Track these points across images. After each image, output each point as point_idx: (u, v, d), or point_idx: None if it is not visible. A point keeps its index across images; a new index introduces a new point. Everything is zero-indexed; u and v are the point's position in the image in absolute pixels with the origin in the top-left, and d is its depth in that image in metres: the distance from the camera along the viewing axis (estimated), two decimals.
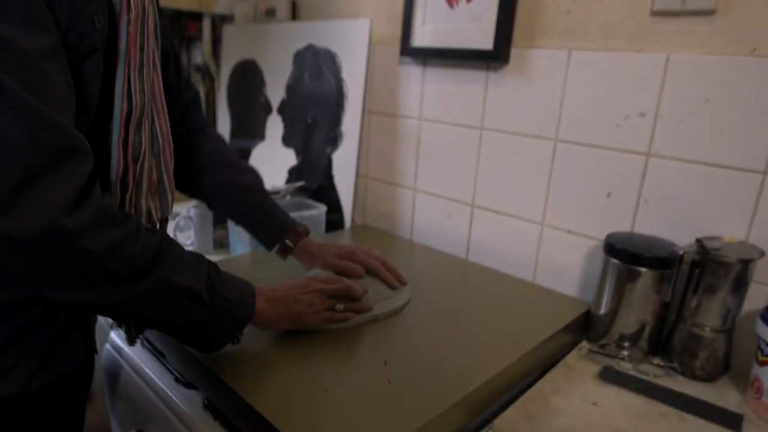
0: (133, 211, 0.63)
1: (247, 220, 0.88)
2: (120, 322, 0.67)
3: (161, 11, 0.72)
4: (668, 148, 0.82)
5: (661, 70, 0.81)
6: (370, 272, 0.86)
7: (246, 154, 1.58)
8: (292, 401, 0.60)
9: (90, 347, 0.70)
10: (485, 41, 0.98)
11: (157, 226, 0.70)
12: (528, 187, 0.99)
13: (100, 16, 0.53)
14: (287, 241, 0.87)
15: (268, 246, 0.88)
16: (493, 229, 1.06)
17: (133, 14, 0.56)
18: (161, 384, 0.76)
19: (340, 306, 0.74)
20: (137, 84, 0.58)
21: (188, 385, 0.74)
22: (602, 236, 0.87)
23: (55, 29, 0.47)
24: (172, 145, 0.69)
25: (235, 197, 0.86)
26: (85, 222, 0.48)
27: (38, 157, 0.45)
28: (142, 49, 0.58)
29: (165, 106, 0.66)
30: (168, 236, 0.59)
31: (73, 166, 0.47)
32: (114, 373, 0.87)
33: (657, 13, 0.81)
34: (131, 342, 0.69)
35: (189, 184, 0.86)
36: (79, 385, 0.72)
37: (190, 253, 0.61)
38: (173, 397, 0.73)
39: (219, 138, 0.90)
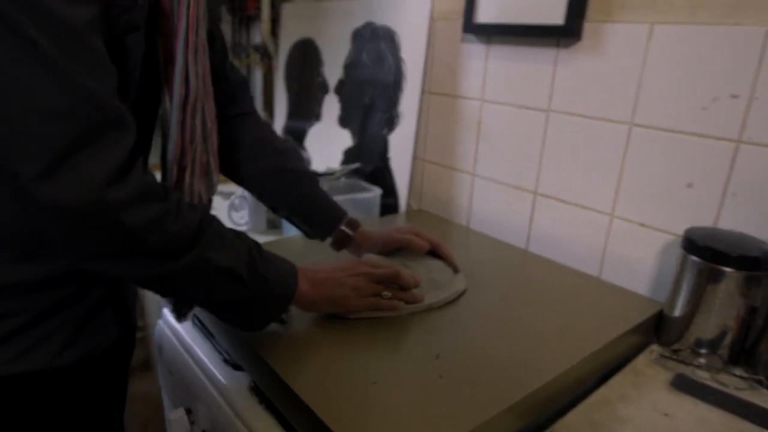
0: (189, 193, 0.64)
1: (300, 207, 0.84)
2: (160, 294, 0.67)
3: None
4: (764, 134, 0.73)
5: (759, 45, 0.72)
6: (428, 254, 0.83)
7: (302, 134, 1.56)
8: (338, 391, 0.57)
9: (123, 327, 0.69)
10: (556, 16, 0.91)
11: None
12: (597, 174, 0.92)
13: None
14: (344, 228, 0.83)
15: (323, 235, 0.85)
16: (556, 219, 1.00)
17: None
18: (209, 363, 0.75)
19: (387, 293, 0.71)
20: (193, 68, 0.59)
21: (236, 367, 0.73)
22: (680, 231, 0.79)
23: (96, 1, 0.46)
24: (217, 128, 0.68)
25: (288, 184, 0.83)
26: (127, 195, 0.47)
27: (81, 127, 0.44)
28: (197, 33, 0.58)
29: (212, 89, 0.66)
30: (209, 214, 0.59)
31: (115, 138, 0.47)
32: (164, 349, 0.88)
33: None
34: (179, 318, 0.69)
35: (236, 170, 0.84)
36: (114, 362, 0.72)
37: (232, 231, 0.60)
38: (220, 377, 0.72)
39: (267, 124, 0.88)
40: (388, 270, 0.72)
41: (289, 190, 0.83)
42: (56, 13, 0.43)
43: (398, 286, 0.73)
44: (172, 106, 0.58)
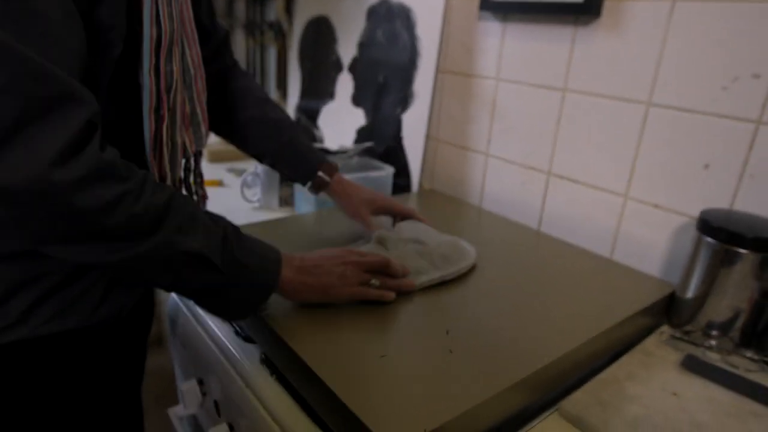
0: (170, 144, 0.61)
1: (282, 155, 0.86)
2: (128, 280, 0.65)
3: None
4: None
5: None
6: (439, 231, 0.85)
7: (315, 113, 1.56)
8: (348, 363, 0.57)
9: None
10: None
11: (192, 159, 0.69)
12: (612, 155, 0.91)
13: None
14: (321, 173, 0.85)
15: (303, 181, 0.87)
16: (569, 200, 0.99)
17: None
18: (221, 335, 0.76)
19: (375, 281, 0.68)
20: (165, 8, 0.55)
21: (247, 339, 0.74)
22: (695, 213, 0.78)
23: None
24: (204, 75, 0.66)
25: (271, 132, 0.85)
26: (78, 176, 0.44)
27: (22, 104, 0.41)
28: None
29: (196, 35, 0.64)
30: (181, 195, 0.55)
31: (63, 115, 0.43)
32: (177, 321, 0.89)
33: None
34: None
35: (221, 121, 0.85)
36: (139, 324, 0.73)
37: (208, 214, 0.57)
38: (232, 349, 0.73)
39: (249, 74, 0.89)
40: (377, 258, 0.70)
41: (270, 138, 0.85)
42: None
43: (388, 275, 0.71)
44: (143, 51, 0.53)
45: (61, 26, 0.44)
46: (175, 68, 0.58)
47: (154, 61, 0.55)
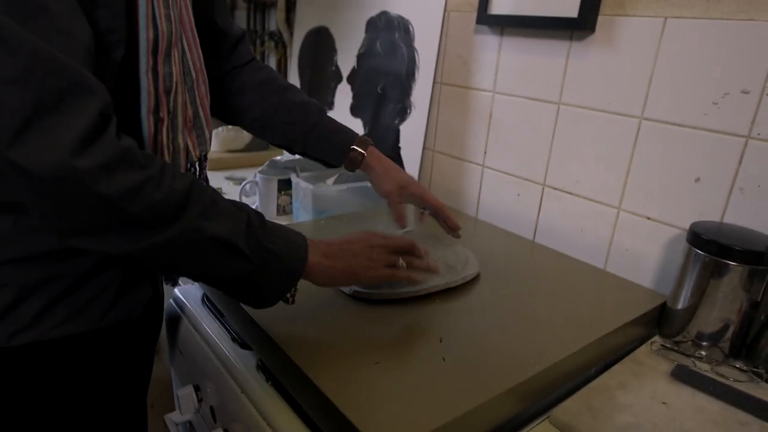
0: (171, 147, 0.61)
1: (312, 138, 0.83)
2: (156, 271, 0.67)
3: None
4: None
5: None
6: (441, 242, 0.85)
7: None
8: (343, 370, 0.58)
9: (155, 285, 0.71)
10: (570, 8, 0.91)
11: (196, 163, 0.69)
12: (606, 168, 0.92)
13: None
14: (355, 147, 0.82)
15: (339, 159, 0.84)
16: (564, 211, 1.00)
17: None
18: (218, 341, 0.77)
19: (402, 262, 0.67)
20: (161, 10, 0.55)
21: (243, 345, 0.75)
22: (686, 225, 0.79)
23: None
24: (206, 78, 0.66)
25: (297, 117, 0.83)
26: (98, 163, 0.45)
27: (39, 93, 0.43)
28: None
29: (197, 39, 0.64)
30: (200, 181, 0.54)
31: (78, 104, 0.44)
32: (175, 327, 0.90)
33: None
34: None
35: (245, 115, 0.84)
36: (147, 329, 0.74)
37: (230, 201, 0.56)
38: (229, 355, 0.74)
39: (267, 66, 0.88)
40: (403, 240, 0.69)
41: (298, 121, 0.83)
42: None
43: (414, 256, 0.70)
44: (140, 52, 0.54)
45: (70, 22, 0.46)
46: (174, 70, 0.59)
47: (151, 63, 0.55)
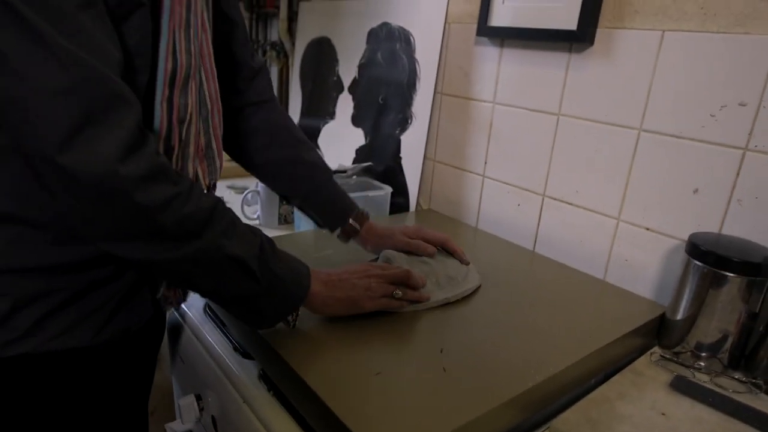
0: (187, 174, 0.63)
1: (313, 199, 0.86)
2: (170, 282, 0.68)
3: None
4: None
5: None
6: (439, 250, 0.85)
7: (315, 132, 1.59)
8: (344, 380, 0.59)
9: (158, 305, 0.71)
10: (569, 21, 0.93)
11: (205, 191, 0.70)
12: (605, 178, 0.93)
13: None
14: (352, 222, 0.85)
15: (332, 227, 0.86)
16: (564, 222, 1.01)
17: None
18: (220, 351, 0.78)
19: (398, 292, 0.72)
20: (182, 43, 0.57)
21: (245, 355, 0.75)
22: (685, 236, 0.80)
23: None
24: (221, 109, 0.68)
25: (303, 174, 0.84)
26: (139, 172, 0.48)
27: (86, 103, 0.46)
28: (188, 9, 0.58)
29: (215, 71, 0.65)
30: (223, 202, 0.59)
31: (121, 115, 0.48)
32: (177, 337, 0.90)
33: None
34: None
35: (251, 158, 0.85)
36: (148, 341, 0.74)
37: (246, 225, 0.60)
38: (230, 365, 0.75)
39: (284, 112, 0.89)
40: (399, 271, 0.73)
41: (304, 180, 0.84)
42: None
43: (409, 286, 0.74)
44: (157, 81, 0.57)
45: (106, 41, 0.49)
46: (190, 101, 0.60)
47: (167, 93, 0.57)
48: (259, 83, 0.85)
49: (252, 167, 0.87)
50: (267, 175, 0.87)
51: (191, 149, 0.63)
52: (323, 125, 1.56)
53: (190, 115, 0.61)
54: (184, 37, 0.58)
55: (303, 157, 0.85)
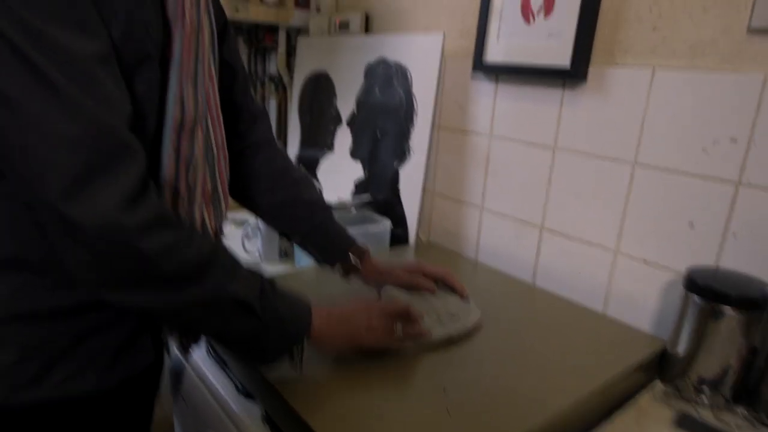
0: (187, 219, 0.64)
1: (313, 237, 0.87)
2: (173, 327, 0.69)
3: (232, 27, 0.74)
4: (762, 177, 0.75)
5: (757, 91, 0.74)
6: (439, 286, 0.86)
7: (314, 164, 1.60)
8: (348, 423, 0.59)
9: (158, 350, 0.72)
10: (562, 58, 0.95)
11: (211, 234, 0.71)
12: (602, 211, 0.94)
13: (154, 25, 0.55)
14: (352, 258, 0.86)
15: (332, 262, 0.87)
16: (562, 254, 1.02)
17: (187, 24, 0.58)
18: (222, 392, 0.77)
19: (398, 329, 0.72)
20: (190, 93, 0.59)
21: (248, 396, 0.75)
22: (682, 269, 0.81)
23: (106, 36, 0.50)
24: (227, 155, 0.69)
25: (303, 214, 0.86)
26: (141, 220, 0.49)
27: (93, 153, 0.47)
28: (197, 59, 0.60)
29: (221, 118, 0.67)
30: (223, 245, 0.60)
31: (125, 165, 0.49)
32: (178, 376, 0.90)
33: (755, 31, 0.75)
34: (184, 353, 0.71)
35: (252, 199, 0.86)
36: (148, 385, 0.74)
37: (246, 267, 0.61)
38: (233, 405, 0.74)
39: (283, 153, 0.90)
40: (398, 306, 0.74)
41: (303, 219, 0.86)
42: (64, 45, 0.46)
43: (409, 321, 0.74)
44: (165, 129, 0.58)
45: (116, 91, 0.51)
46: (197, 148, 0.62)
47: (174, 140, 0.59)
48: (260, 127, 0.87)
49: (253, 208, 0.88)
50: (268, 216, 0.89)
51: (198, 194, 0.64)
52: (322, 157, 1.58)
53: (197, 161, 0.62)
54: (192, 86, 0.60)
55: (302, 197, 0.86)
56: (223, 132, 0.68)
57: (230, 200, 0.72)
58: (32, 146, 0.46)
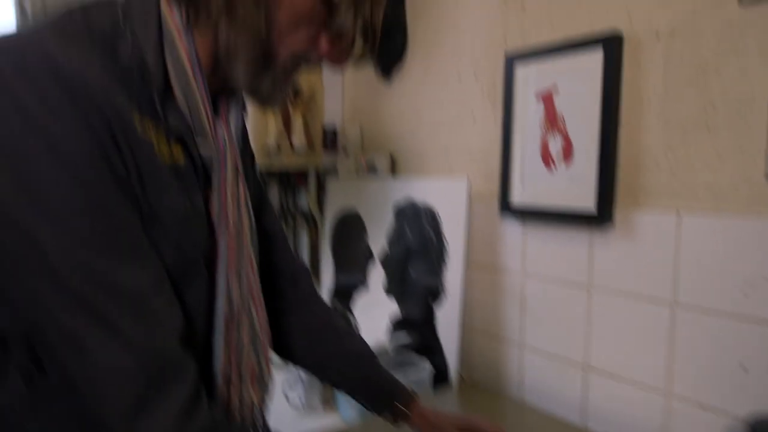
0: (239, 403, 0.66)
1: (360, 388, 0.87)
2: None
3: (269, 196, 0.78)
4: None
5: None
6: None
7: (348, 300, 1.63)
8: None
9: None
10: (587, 201, 0.99)
11: (260, 413, 0.72)
12: (646, 351, 0.93)
13: (202, 239, 0.60)
14: (400, 405, 0.85)
15: (379, 411, 0.86)
16: (610, 395, 1.00)
17: (231, 226, 0.63)
18: None
19: None
20: (235, 286, 0.63)
21: None
22: (741, 413, 0.78)
23: (158, 262, 0.54)
24: (270, 338, 0.72)
25: (348, 367, 0.86)
26: (197, 429, 0.52)
27: (147, 381, 0.50)
28: (239, 252, 0.64)
29: (262, 300, 0.70)
30: None
31: (178, 385, 0.52)
32: None
33: None
34: None
35: (297, 355, 0.88)
36: None
37: None
38: None
39: (326, 306, 0.93)
40: None
41: (349, 372, 0.86)
42: (117, 281, 0.50)
43: None
44: (215, 324, 0.62)
45: (168, 311, 0.54)
46: (244, 336, 0.65)
47: (224, 333, 0.62)
48: (301, 285, 0.89)
49: (298, 364, 0.89)
50: (313, 369, 0.90)
51: (247, 378, 0.66)
52: (356, 293, 1.61)
53: (245, 347, 0.65)
54: (236, 280, 0.64)
55: (347, 349, 0.87)
56: (266, 313, 0.71)
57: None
58: (92, 378, 0.49)
